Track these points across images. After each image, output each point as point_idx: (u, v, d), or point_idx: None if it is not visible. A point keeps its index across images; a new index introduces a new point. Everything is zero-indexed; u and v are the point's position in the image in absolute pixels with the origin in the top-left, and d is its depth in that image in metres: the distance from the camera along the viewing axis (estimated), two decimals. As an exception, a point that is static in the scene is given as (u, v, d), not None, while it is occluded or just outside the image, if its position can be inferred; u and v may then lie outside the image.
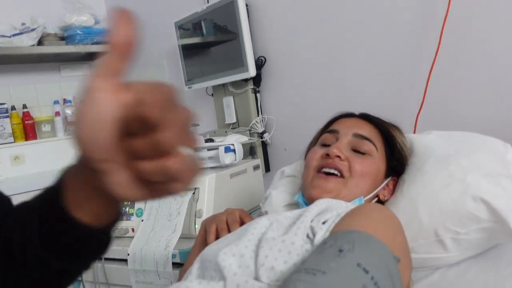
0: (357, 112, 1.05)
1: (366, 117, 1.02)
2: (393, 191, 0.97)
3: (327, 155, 0.91)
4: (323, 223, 0.72)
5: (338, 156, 0.90)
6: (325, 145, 0.97)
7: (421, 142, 1.02)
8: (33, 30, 2.45)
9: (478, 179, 0.84)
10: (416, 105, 1.37)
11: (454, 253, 0.85)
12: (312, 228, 0.72)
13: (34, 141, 2.69)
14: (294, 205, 1.05)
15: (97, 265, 1.31)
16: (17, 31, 2.44)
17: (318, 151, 0.95)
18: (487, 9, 1.23)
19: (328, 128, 1.02)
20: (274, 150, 2.01)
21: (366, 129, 0.96)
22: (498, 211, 0.79)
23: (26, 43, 2.44)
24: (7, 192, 2.19)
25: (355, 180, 0.89)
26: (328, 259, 0.58)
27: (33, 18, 2.48)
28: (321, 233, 0.70)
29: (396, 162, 0.97)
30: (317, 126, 1.10)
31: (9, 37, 2.39)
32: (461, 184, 0.85)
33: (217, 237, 0.90)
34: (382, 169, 0.94)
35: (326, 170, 0.91)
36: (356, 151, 0.93)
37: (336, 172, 0.90)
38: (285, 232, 0.73)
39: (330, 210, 0.77)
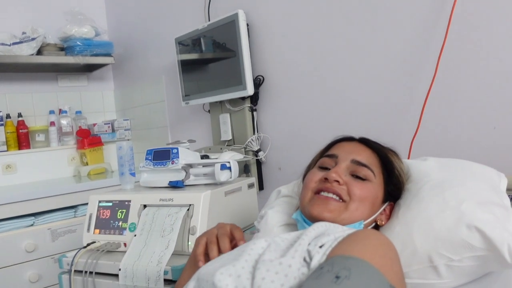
0: (356, 136, 1.06)
1: (365, 142, 1.03)
2: (389, 216, 0.98)
3: (326, 179, 0.92)
4: (320, 247, 0.73)
5: (337, 181, 0.91)
6: (323, 169, 0.98)
7: (417, 168, 1.03)
8: (33, 39, 2.46)
9: (473, 207, 0.85)
10: (411, 130, 1.38)
11: (447, 280, 0.86)
12: (309, 252, 0.72)
13: (27, 150, 2.69)
14: (290, 225, 1.05)
15: (88, 280, 1.30)
16: (17, 40, 2.45)
17: (317, 174, 0.96)
18: (482, 41, 1.26)
19: (327, 151, 1.03)
20: (268, 168, 2.02)
21: (365, 155, 0.97)
22: (492, 240, 0.80)
23: (25, 52, 2.45)
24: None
25: (356, 204, 0.90)
26: (324, 285, 0.59)
27: (33, 28, 2.50)
28: (318, 257, 0.70)
29: (394, 187, 0.98)
30: (312, 147, 1.11)
31: (9, 45, 2.40)
32: (456, 211, 0.86)
33: (206, 251, 0.91)
34: (380, 194, 0.95)
35: (325, 194, 0.92)
36: (354, 176, 0.94)
37: (335, 196, 0.91)
38: (283, 255, 0.73)
39: (327, 234, 0.77)
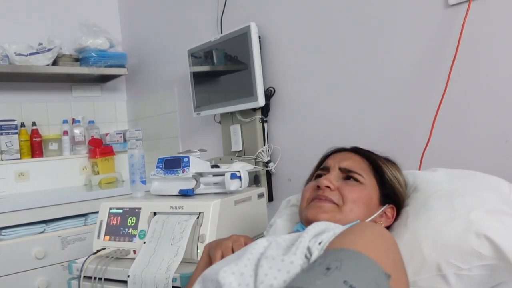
0: (349, 146, 1.10)
1: (355, 150, 1.06)
2: (392, 219, 0.99)
3: (318, 186, 0.97)
4: (319, 243, 0.75)
5: (328, 187, 0.95)
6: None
7: (427, 178, 1.04)
8: (49, 50, 2.51)
9: (482, 216, 0.86)
10: (422, 142, 1.38)
11: (456, 289, 0.85)
12: (309, 249, 0.74)
13: (40, 158, 2.72)
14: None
15: (97, 286, 1.30)
16: (34, 51, 2.50)
17: (311, 184, 1.01)
18: (494, 51, 1.27)
19: (321, 165, 1.07)
20: (278, 180, 2.02)
21: (351, 161, 1.01)
22: (502, 249, 0.80)
23: (41, 62, 2.50)
24: (8, 208, 2.20)
25: (349, 205, 0.93)
26: (314, 277, 0.60)
27: (50, 39, 2.55)
28: (317, 253, 0.72)
29: (389, 191, 1.00)
30: (322, 159, 1.13)
31: (26, 55, 2.45)
32: (465, 220, 0.86)
33: None
34: (374, 195, 0.97)
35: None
36: (345, 180, 0.98)
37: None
38: (284, 253, 0.75)
39: (327, 231, 0.80)
